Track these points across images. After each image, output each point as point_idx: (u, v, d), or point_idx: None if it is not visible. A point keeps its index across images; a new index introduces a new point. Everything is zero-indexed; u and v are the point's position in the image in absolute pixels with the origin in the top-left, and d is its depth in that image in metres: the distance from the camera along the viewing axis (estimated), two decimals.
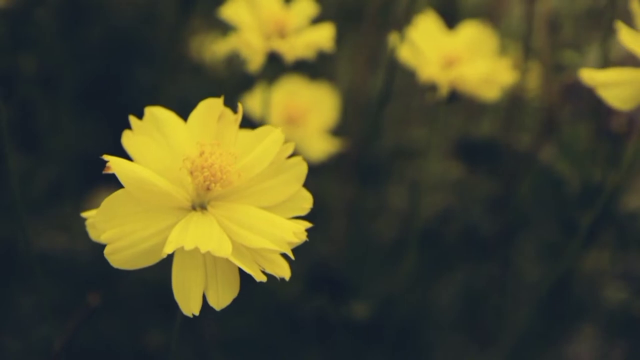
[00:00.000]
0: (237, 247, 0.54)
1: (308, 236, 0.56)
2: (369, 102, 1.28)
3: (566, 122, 1.23)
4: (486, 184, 1.27)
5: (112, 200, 0.54)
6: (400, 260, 1.10)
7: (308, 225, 0.57)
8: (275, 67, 0.94)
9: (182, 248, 0.52)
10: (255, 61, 0.92)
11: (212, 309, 0.55)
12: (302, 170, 0.58)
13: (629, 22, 0.75)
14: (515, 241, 1.24)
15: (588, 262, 1.16)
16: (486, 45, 1.03)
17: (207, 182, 0.56)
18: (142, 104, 0.63)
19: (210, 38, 1.42)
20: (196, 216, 0.56)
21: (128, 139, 0.58)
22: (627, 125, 1.10)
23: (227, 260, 0.53)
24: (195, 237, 0.53)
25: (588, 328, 1.22)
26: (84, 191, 1.24)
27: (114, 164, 0.53)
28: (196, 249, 0.52)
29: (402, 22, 1.00)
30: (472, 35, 1.04)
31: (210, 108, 0.59)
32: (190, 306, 0.54)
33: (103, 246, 0.54)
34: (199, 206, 0.57)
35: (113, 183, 0.55)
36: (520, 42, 1.25)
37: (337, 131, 1.22)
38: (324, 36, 0.93)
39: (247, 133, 0.59)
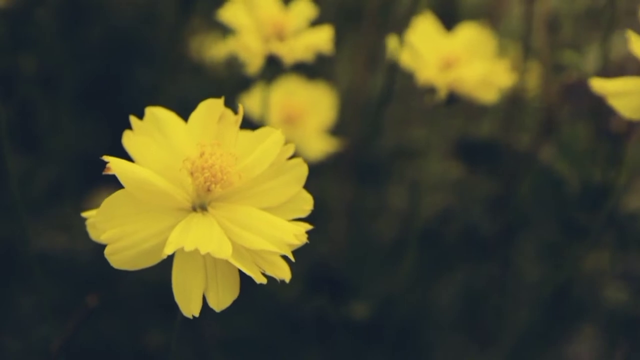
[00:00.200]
0: (238, 249, 0.54)
1: (308, 237, 0.56)
2: (368, 102, 1.28)
3: (566, 122, 1.23)
4: (486, 184, 1.27)
5: (112, 201, 0.54)
6: (400, 260, 1.10)
7: (308, 227, 0.57)
8: (274, 69, 0.94)
9: (182, 249, 0.52)
10: (254, 64, 0.92)
11: (212, 309, 0.55)
12: (302, 171, 0.58)
13: (629, 22, 0.75)
14: (515, 241, 1.24)
15: (588, 262, 1.16)
16: (484, 47, 1.03)
17: (208, 183, 0.56)
18: (142, 104, 0.63)
19: (210, 38, 1.42)
20: (196, 217, 0.56)
21: (129, 139, 0.58)
22: (627, 126, 1.10)
23: (227, 262, 0.53)
24: (196, 238, 0.53)
25: (588, 328, 1.22)
26: (84, 191, 1.24)
27: (114, 165, 0.53)
28: (196, 250, 0.52)
29: (401, 24, 1.00)
30: (471, 37, 1.04)
31: (210, 109, 0.59)
32: (190, 307, 0.54)
33: (103, 246, 0.54)
34: (200, 207, 0.57)
35: (113, 183, 0.55)
36: (520, 42, 1.25)
37: (336, 131, 1.22)
38: (322, 38, 0.93)
39: (247, 134, 0.59)
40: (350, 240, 1.27)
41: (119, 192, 0.54)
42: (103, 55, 1.35)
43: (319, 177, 1.27)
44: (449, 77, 0.97)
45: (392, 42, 1.00)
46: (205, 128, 0.59)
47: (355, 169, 1.25)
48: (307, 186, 0.60)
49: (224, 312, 0.55)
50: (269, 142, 0.57)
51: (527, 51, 1.19)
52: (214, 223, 0.55)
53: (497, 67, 1.00)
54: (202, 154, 0.56)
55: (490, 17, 1.33)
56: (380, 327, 1.12)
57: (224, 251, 0.52)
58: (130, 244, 0.54)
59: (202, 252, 0.51)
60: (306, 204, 0.58)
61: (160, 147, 0.58)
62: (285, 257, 0.55)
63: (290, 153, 0.59)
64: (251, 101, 1.14)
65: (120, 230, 0.54)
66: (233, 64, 1.35)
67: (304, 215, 0.58)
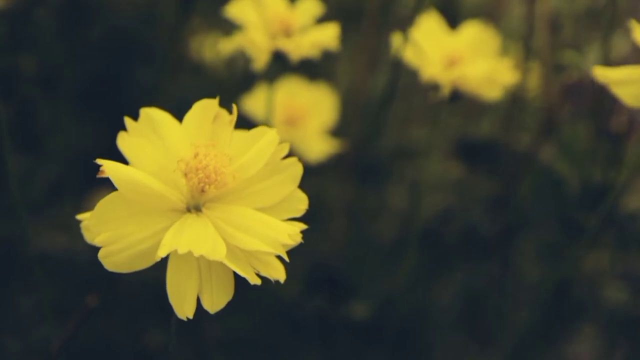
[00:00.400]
0: (232, 250, 0.54)
1: (308, 236, 0.56)
2: (369, 102, 1.28)
3: (566, 122, 1.23)
4: (486, 184, 1.27)
5: (105, 203, 0.54)
6: (400, 260, 1.10)
7: (303, 226, 0.57)
8: (280, 66, 0.94)
9: (176, 251, 0.52)
10: (260, 60, 0.92)
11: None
12: (297, 170, 0.58)
13: (630, 20, 0.75)
14: (515, 241, 1.24)
15: (588, 262, 1.16)
16: (488, 45, 1.04)
17: (202, 184, 0.55)
18: (142, 104, 0.63)
19: (211, 38, 1.42)
20: (190, 218, 0.55)
21: (123, 141, 0.58)
22: (627, 125, 1.10)
23: (221, 263, 0.53)
24: (189, 240, 0.52)
25: (588, 328, 1.22)
26: (84, 191, 1.24)
27: (107, 167, 0.53)
28: (190, 253, 0.52)
29: (404, 22, 1.00)
30: (474, 35, 1.04)
31: (205, 109, 0.58)
32: (184, 309, 0.54)
33: (95, 244, 0.54)
34: (194, 208, 0.57)
35: (112, 184, 0.55)
36: (521, 42, 1.25)
37: (337, 131, 1.22)
38: (329, 35, 0.93)
39: (242, 134, 0.59)
40: (350, 240, 1.26)
41: (113, 195, 0.54)
42: (103, 55, 1.35)
43: (319, 177, 1.27)
44: (452, 75, 0.97)
45: (395, 39, 1.00)
46: (199, 128, 0.58)
47: (355, 169, 1.25)
48: (308, 186, 0.59)
49: (224, 311, 0.55)
50: (263, 142, 0.57)
51: (528, 51, 1.19)
52: (208, 224, 0.55)
53: (500, 64, 1.00)
54: (196, 155, 0.56)
55: (490, 17, 1.33)
56: (380, 327, 1.12)
57: (218, 253, 0.52)
58: (124, 246, 0.53)
59: (196, 254, 0.51)
60: (301, 203, 0.58)
61: (155, 148, 0.58)
62: (280, 257, 0.55)
63: (285, 152, 0.59)
64: (253, 102, 1.14)
65: (114, 233, 0.53)
66: (233, 63, 1.35)
67: (298, 215, 0.58)
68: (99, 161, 0.53)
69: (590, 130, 1.15)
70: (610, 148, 1.11)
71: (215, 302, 0.54)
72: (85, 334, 1.06)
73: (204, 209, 0.57)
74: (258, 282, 0.53)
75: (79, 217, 0.59)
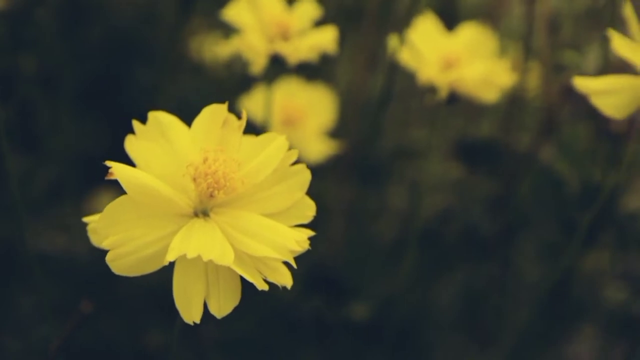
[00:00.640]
0: (239, 255, 0.54)
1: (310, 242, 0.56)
2: (369, 102, 1.28)
3: (566, 122, 1.23)
4: (486, 184, 1.27)
5: (114, 206, 0.54)
6: (400, 260, 1.10)
7: (310, 233, 0.57)
8: (278, 69, 0.94)
9: (184, 255, 0.52)
10: (258, 63, 0.92)
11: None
12: (305, 177, 0.58)
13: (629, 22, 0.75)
14: (515, 241, 1.24)
15: (588, 262, 1.16)
16: (485, 47, 1.04)
17: (211, 189, 0.55)
18: (142, 104, 0.63)
19: (211, 38, 1.42)
20: (198, 223, 0.55)
21: (131, 144, 0.58)
22: (627, 126, 1.10)
23: (229, 268, 0.53)
24: (198, 245, 0.52)
25: (588, 328, 1.22)
26: (84, 191, 1.24)
27: (117, 170, 0.53)
28: (198, 257, 0.51)
29: (401, 24, 1.00)
30: (472, 36, 1.04)
31: (214, 114, 0.58)
32: (191, 314, 0.54)
33: (103, 247, 0.54)
34: (202, 213, 0.57)
35: (113, 184, 0.54)
36: (520, 42, 1.25)
37: (336, 131, 1.22)
38: (327, 38, 0.93)
39: (251, 139, 0.59)
40: (350, 241, 1.26)
41: (122, 198, 0.54)
42: (103, 55, 1.35)
43: (318, 178, 1.27)
44: (450, 77, 0.97)
45: (392, 41, 1.00)
46: (208, 133, 0.58)
47: (355, 170, 1.25)
48: (308, 187, 0.59)
49: None
50: (272, 148, 0.57)
51: (528, 51, 1.19)
52: (216, 229, 0.55)
53: (498, 66, 1.00)
54: (205, 160, 0.56)
55: (490, 17, 1.33)
56: (380, 327, 1.12)
57: (226, 258, 0.52)
58: (132, 250, 0.53)
59: (204, 259, 0.51)
60: (309, 209, 0.58)
61: (164, 152, 0.58)
62: (286, 263, 0.55)
63: (294, 159, 0.59)
64: (251, 102, 1.14)
65: (122, 236, 0.53)
66: (233, 64, 1.35)
67: (306, 221, 0.58)
68: (108, 163, 0.53)
69: (590, 130, 1.15)
70: (610, 148, 1.11)
71: (222, 307, 0.54)
72: (85, 334, 1.06)
73: (211, 214, 0.57)
74: (266, 287, 0.53)
75: (86, 219, 0.59)
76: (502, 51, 1.11)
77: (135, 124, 0.59)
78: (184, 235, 0.54)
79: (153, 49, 1.38)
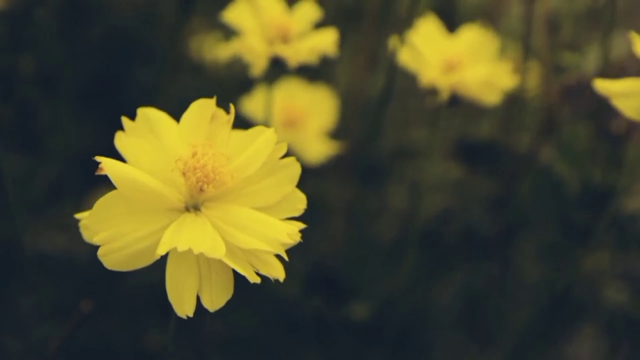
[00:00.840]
0: (231, 248, 0.54)
1: (308, 237, 0.56)
2: (368, 102, 1.28)
3: (566, 122, 1.22)
4: (486, 184, 1.27)
5: (104, 202, 0.54)
6: (400, 260, 1.10)
7: (302, 226, 0.57)
8: (278, 71, 0.94)
9: (175, 249, 0.52)
10: (258, 66, 0.92)
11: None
12: (295, 170, 0.58)
13: (629, 22, 0.75)
14: (515, 241, 1.23)
15: (588, 262, 1.16)
16: (487, 49, 1.04)
17: (200, 183, 0.56)
18: (142, 104, 0.63)
19: (211, 38, 1.42)
20: (189, 217, 0.56)
21: (120, 140, 0.58)
22: (627, 126, 1.10)
23: (220, 262, 0.53)
24: (189, 238, 0.53)
25: (588, 328, 1.22)
26: (84, 191, 1.24)
27: (107, 165, 0.53)
28: (189, 250, 0.52)
29: (402, 25, 1.00)
30: (473, 38, 1.04)
31: (202, 109, 0.59)
32: (184, 308, 0.54)
33: (94, 243, 0.54)
34: (193, 207, 0.57)
35: (112, 183, 0.55)
36: (520, 42, 1.25)
37: (336, 131, 1.22)
38: (327, 41, 0.93)
39: (239, 133, 0.59)
40: (350, 241, 1.27)
41: (112, 193, 0.54)
42: (103, 55, 1.35)
43: (319, 178, 1.27)
44: (451, 79, 0.97)
45: (393, 42, 1.00)
46: (197, 128, 0.59)
47: (355, 170, 1.25)
48: (307, 187, 0.59)
49: (222, 311, 0.55)
50: (260, 141, 0.57)
51: (527, 51, 1.19)
52: (207, 223, 0.55)
53: (499, 69, 1.00)
54: (194, 154, 0.56)
55: (489, 17, 1.33)
56: (380, 327, 1.12)
57: (217, 251, 0.52)
58: (123, 245, 0.54)
59: (196, 252, 0.51)
60: (300, 202, 0.58)
61: (152, 147, 0.58)
62: (279, 256, 0.55)
63: (283, 152, 0.59)
64: (252, 103, 1.14)
65: (113, 232, 0.54)
66: (234, 64, 1.35)
67: (297, 214, 0.58)
68: (98, 158, 0.53)
69: (590, 131, 1.15)
70: (610, 148, 1.11)
71: (214, 301, 0.54)
72: (85, 334, 1.06)
73: (202, 208, 0.57)
74: (257, 280, 0.53)
75: (78, 216, 0.59)
76: (501, 51, 1.11)
77: (125, 120, 0.60)
78: (175, 229, 0.54)
79: (153, 49, 1.38)
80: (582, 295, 1.18)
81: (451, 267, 1.27)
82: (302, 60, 0.93)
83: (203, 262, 0.55)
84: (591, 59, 1.14)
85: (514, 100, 1.22)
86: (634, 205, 1.11)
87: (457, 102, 0.98)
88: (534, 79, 1.27)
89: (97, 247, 0.55)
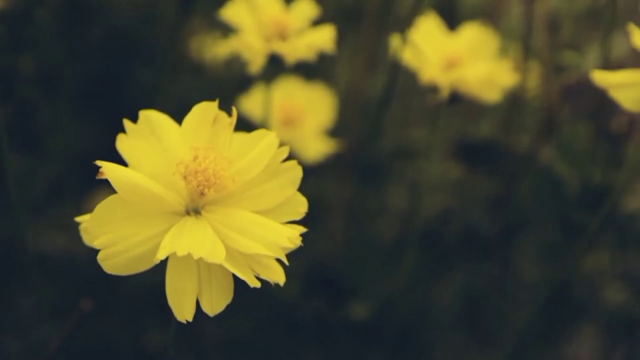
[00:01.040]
0: (231, 253, 0.54)
1: (307, 237, 0.56)
2: (368, 102, 1.28)
3: (566, 122, 1.22)
4: (486, 184, 1.27)
5: (105, 206, 0.54)
6: (400, 260, 1.10)
7: (303, 229, 0.57)
8: (276, 68, 0.94)
9: (175, 254, 0.52)
10: (256, 63, 0.92)
11: None
12: (296, 174, 0.58)
13: (629, 21, 0.75)
14: (515, 241, 1.23)
15: (588, 262, 1.16)
16: (487, 47, 1.04)
17: (201, 187, 0.56)
18: (142, 104, 0.63)
19: (210, 38, 1.42)
20: (190, 221, 0.55)
21: (122, 143, 0.58)
22: (627, 126, 1.10)
23: (221, 266, 0.53)
24: (189, 242, 0.52)
25: (588, 328, 1.22)
26: (84, 191, 1.24)
27: (107, 170, 0.53)
28: (189, 255, 0.52)
29: (403, 23, 1.00)
30: (474, 36, 1.04)
31: (204, 111, 0.58)
32: (183, 313, 0.54)
33: (94, 247, 0.54)
34: (193, 211, 0.57)
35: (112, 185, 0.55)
36: (520, 42, 1.25)
37: (336, 131, 1.22)
38: (324, 38, 0.93)
39: (241, 136, 0.59)
40: (350, 241, 1.26)
41: (112, 197, 0.54)
42: (103, 55, 1.35)
43: (318, 177, 1.27)
44: (452, 77, 0.97)
45: (394, 41, 1.00)
46: (199, 131, 0.58)
47: (355, 169, 1.25)
48: (306, 186, 0.59)
49: (222, 312, 0.55)
50: (262, 145, 0.57)
51: (527, 51, 1.19)
52: (207, 227, 0.55)
53: (500, 66, 1.00)
54: (195, 158, 0.56)
55: (489, 16, 1.33)
56: (380, 327, 1.12)
57: (217, 255, 0.52)
58: (123, 249, 0.53)
59: (195, 256, 0.51)
60: (301, 206, 0.58)
61: (154, 150, 0.58)
62: (279, 260, 0.55)
63: (285, 155, 0.59)
64: (250, 102, 1.14)
65: (113, 236, 0.53)
66: (233, 64, 1.35)
67: (298, 217, 0.58)
68: (99, 163, 0.53)
69: (590, 131, 1.15)
70: (610, 148, 1.11)
71: (214, 305, 0.54)
72: (85, 334, 1.07)
73: (203, 212, 0.57)
74: (257, 284, 0.53)
75: (78, 219, 0.59)
76: (502, 51, 1.11)
77: (126, 122, 0.59)
78: (175, 233, 0.54)
79: (153, 49, 1.38)
80: (582, 295, 1.18)
81: (451, 267, 1.27)
82: (299, 57, 0.93)
83: (203, 266, 0.54)
84: (591, 58, 1.13)
85: (514, 100, 1.21)
86: (634, 204, 1.11)
87: (457, 100, 0.98)
88: (534, 79, 1.27)
89: (97, 248, 0.55)
